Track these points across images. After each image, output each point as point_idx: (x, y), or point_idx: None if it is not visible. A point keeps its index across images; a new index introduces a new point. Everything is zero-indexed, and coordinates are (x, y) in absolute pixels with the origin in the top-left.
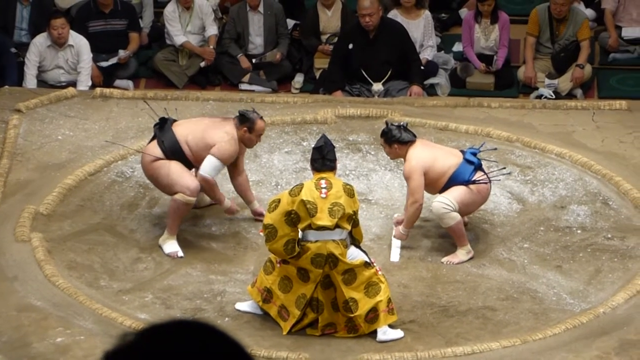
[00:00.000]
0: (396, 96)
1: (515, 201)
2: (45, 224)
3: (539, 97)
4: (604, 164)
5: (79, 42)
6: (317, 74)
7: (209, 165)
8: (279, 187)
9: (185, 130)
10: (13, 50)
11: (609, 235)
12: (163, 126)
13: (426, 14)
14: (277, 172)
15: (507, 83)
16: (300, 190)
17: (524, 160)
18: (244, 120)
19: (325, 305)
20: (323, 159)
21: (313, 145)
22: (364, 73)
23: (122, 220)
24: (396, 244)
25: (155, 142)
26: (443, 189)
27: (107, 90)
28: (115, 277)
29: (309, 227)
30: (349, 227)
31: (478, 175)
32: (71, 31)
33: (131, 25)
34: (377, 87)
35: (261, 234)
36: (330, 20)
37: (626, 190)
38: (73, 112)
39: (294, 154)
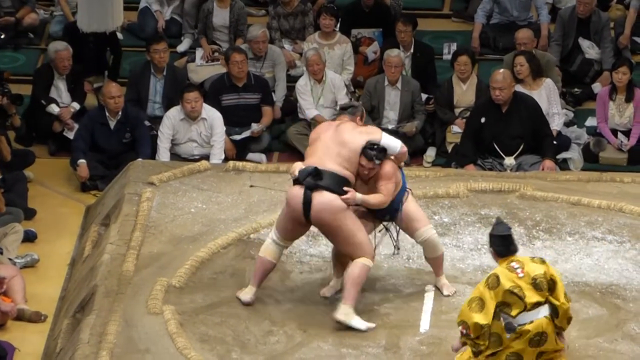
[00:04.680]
0: (528, 170)
1: None
2: (177, 297)
3: None
4: None
5: (212, 115)
6: (449, 148)
7: (391, 141)
8: (410, 260)
9: (335, 161)
10: (147, 123)
11: None
12: (317, 175)
13: (547, 82)
14: (409, 245)
15: None
16: (498, 281)
17: None
18: (354, 111)
19: None
20: (509, 245)
21: (492, 232)
22: (496, 147)
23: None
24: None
25: (327, 192)
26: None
27: (240, 164)
28: (247, 350)
29: (524, 309)
30: (558, 298)
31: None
32: (204, 104)
33: (264, 99)
34: (510, 161)
35: (469, 335)
36: (465, 94)
37: None
38: (206, 185)
39: None
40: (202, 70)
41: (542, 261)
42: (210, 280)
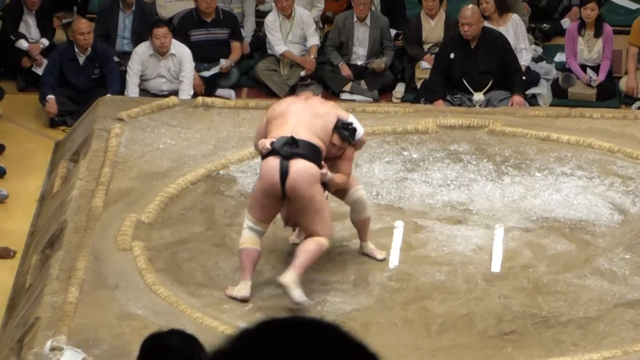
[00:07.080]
0: (497, 106)
1: (616, 212)
2: (146, 233)
3: None
4: None
5: (181, 51)
6: (419, 84)
7: (356, 123)
8: (379, 196)
9: (309, 131)
10: (115, 59)
11: None
12: (294, 143)
13: (513, 17)
14: (378, 181)
15: (609, 94)
16: None
17: (625, 171)
18: (316, 89)
19: None
20: None
21: None
22: (465, 83)
23: (224, 228)
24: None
25: (304, 160)
26: None
27: (208, 100)
28: (216, 286)
29: None
30: None
31: None
32: (173, 40)
33: (233, 35)
34: (478, 96)
35: None
36: (433, 29)
37: None
38: (175, 121)
39: (395, 163)
40: (170, 5)
41: None
42: (180, 216)
